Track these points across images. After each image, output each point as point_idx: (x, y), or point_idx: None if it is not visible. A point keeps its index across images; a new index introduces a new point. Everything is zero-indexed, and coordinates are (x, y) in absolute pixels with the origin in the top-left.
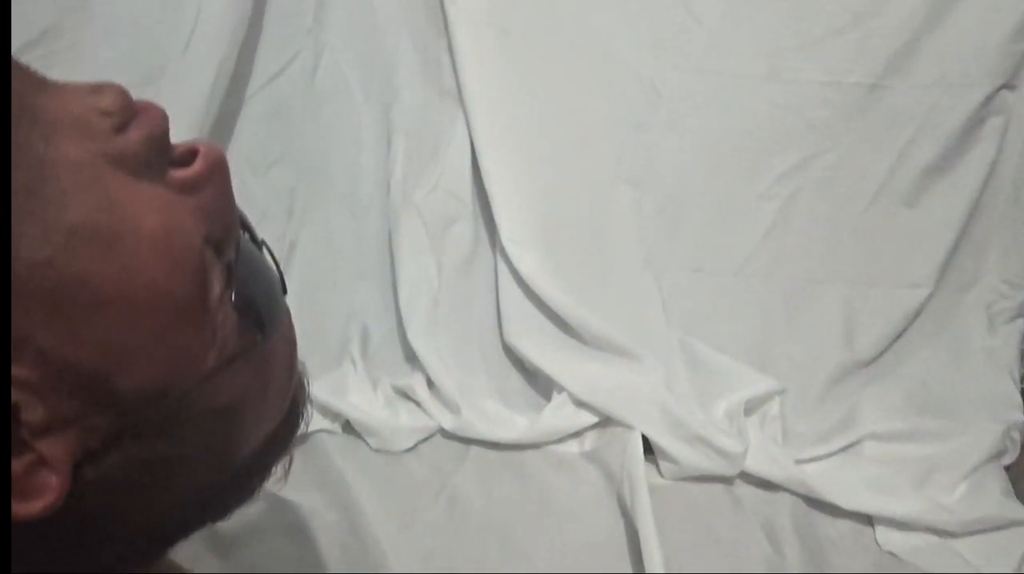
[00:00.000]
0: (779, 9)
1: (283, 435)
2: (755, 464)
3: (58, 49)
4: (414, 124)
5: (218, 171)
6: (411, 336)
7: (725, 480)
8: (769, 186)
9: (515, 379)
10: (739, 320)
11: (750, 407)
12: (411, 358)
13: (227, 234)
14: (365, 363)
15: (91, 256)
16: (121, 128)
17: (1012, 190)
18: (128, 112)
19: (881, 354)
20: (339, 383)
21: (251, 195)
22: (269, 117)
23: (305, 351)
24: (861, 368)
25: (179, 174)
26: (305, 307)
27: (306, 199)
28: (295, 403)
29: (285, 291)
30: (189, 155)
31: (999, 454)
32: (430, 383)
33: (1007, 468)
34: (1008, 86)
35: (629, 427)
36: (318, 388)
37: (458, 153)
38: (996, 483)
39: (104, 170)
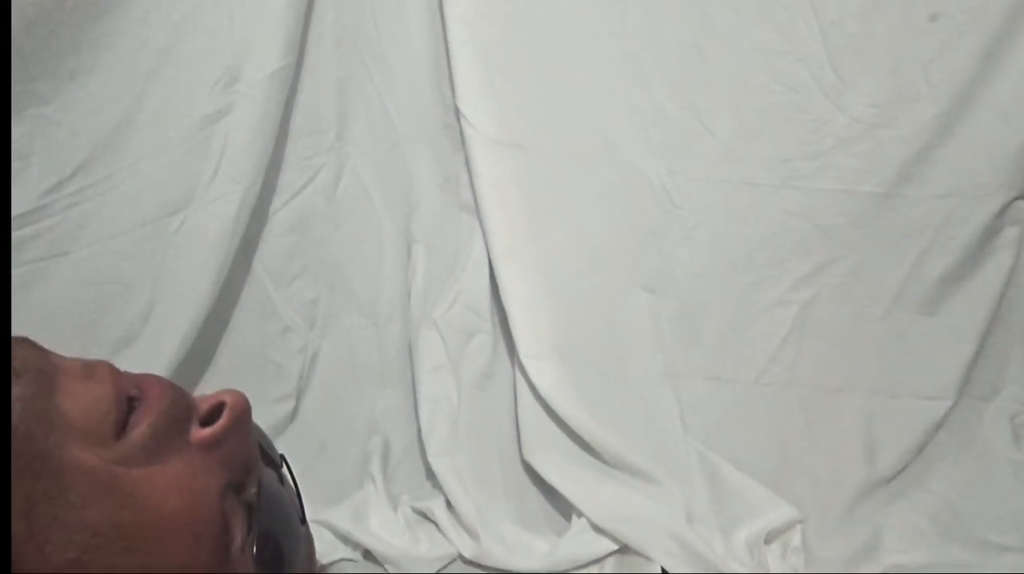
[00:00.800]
0: (790, 119)
1: None
2: None
3: (91, 183)
4: (434, 236)
5: (242, 420)
6: (430, 456)
7: None
8: (785, 292)
9: (534, 498)
10: (758, 431)
11: (771, 536)
12: (432, 474)
13: (248, 473)
14: (385, 481)
15: (115, 551)
16: (121, 426)
17: None
18: (121, 403)
19: (904, 469)
20: (360, 506)
21: (274, 309)
22: (292, 231)
23: (326, 468)
24: (884, 485)
25: (204, 435)
26: (327, 419)
27: (328, 309)
28: None
29: (304, 520)
30: (216, 411)
31: None
32: (449, 505)
33: None
34: (1022, 197)
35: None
36: (339, 515)
37: (476, 267)
38: None
39: (117, 471)
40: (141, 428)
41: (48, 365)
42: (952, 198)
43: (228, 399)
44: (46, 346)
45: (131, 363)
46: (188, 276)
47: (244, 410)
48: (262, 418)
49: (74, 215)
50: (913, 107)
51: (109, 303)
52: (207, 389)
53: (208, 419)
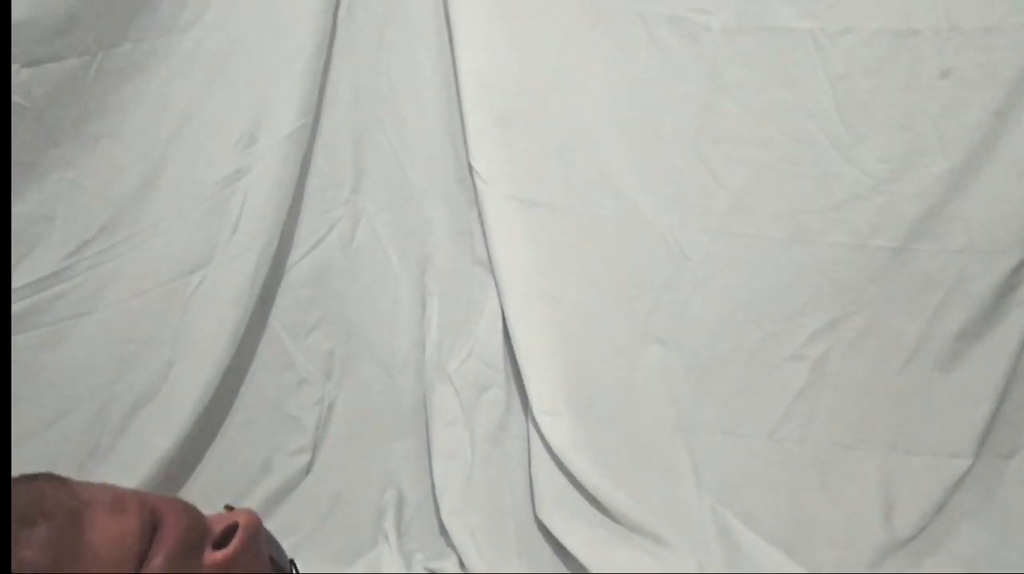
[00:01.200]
0: (802, 173)
1: None
2: None
3: (113, 244)
4: (448, 288)
5: (255, 539)
6: (444, 515)
7: None
8: (799, 347)
9: (548, 558)
10: (773, 488)
11: None
12: (446, 531)
13: None
14: (399, 537)
15: None
16: (142, 557)
17: None
18: (145, 534)
19: (923, 530)
20: (374, 566)
21: (291, 362)
22: (308, 284)
23: (341, 521)
24: (902, 546)
25: (217, 559)
26: (342, 472)
27: (344, 360)
28: None
29: None
30: (230, 532)
31: None
32: (462, 565)
33: None
34: None
35: None
36: None
37: (490, 321)
38: None
39: None
40: (158, 560)
41: (77, 502)
42: (966, 254)
43: (241, 520)
44: (67, 405)
45: (150, 421)
46: (206, 334)
47: (256, 530)
48: (278, 472)
49: (96, 276)
50: (924, 162)
51: (130, 362)
52: (224, 443)
53: (222, 541)
